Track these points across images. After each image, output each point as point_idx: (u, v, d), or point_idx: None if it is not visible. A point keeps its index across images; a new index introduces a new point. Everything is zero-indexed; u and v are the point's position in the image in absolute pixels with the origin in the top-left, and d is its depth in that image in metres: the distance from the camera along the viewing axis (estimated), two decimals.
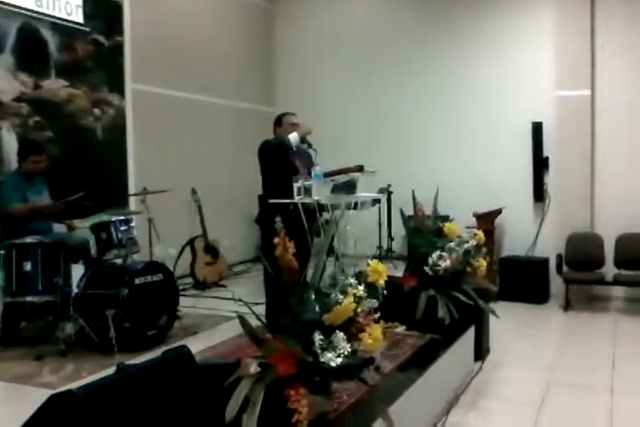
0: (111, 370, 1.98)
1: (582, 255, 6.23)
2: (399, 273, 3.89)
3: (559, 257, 6.20)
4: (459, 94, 7.57)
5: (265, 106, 8.49)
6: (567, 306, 5.97)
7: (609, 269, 6.11)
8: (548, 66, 6.89)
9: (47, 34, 5.70)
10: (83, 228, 4.97)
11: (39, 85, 5.64)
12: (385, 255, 7.52)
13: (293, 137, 4.58)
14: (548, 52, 6.90)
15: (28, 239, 4.48)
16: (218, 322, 5.13)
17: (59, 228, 5.02)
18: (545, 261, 6.45)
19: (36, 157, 4.81)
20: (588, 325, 5.52)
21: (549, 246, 6.67)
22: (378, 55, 8.08)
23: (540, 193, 7.01)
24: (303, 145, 4.85)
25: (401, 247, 7.64)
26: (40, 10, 5.60)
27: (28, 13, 5.51)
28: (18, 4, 5.40)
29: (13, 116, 5.40)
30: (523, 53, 7.19)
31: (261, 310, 2.65)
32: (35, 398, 2.02)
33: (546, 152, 6.95)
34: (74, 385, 2.04)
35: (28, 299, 4.44)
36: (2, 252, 4.50)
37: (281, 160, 4.64)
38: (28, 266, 4.39)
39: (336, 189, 4.40)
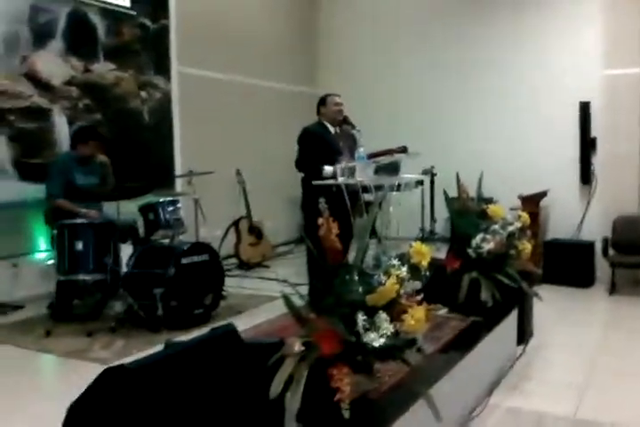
0: (159, 347, 2.05)
1: (629, 239, 6.11)
2: (441, 255, 3.87)
3: (605, 240, 6.09)
4: (504, 74, 7.45)
5: (308, 87, 8.50)
6: (613, 290, 5.87)
7: None
8: (596, 43, 6.69)
9: (95, 18, 5.81)
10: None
11: (88, 69, 5.77)
12: (427, 237, 7.50)
13: (328, 169, 4.60)
14: (596, 29, 6.70)
15: (79, 220, 4.62)
16: (262, 302, 5.21)
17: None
18: (591, 245, 6.34)
19: (95, 143, 4.96)
20: (634, 309, 5.43)
21: (595, 229, 6.55)
22: (421, 35, 7.98)
23: (586, 175, 6.88)
24: (347, 126, 4.87)
25: (443, 229, 7.60)
26: None
27: None
28: None
29: (64, 99, 5.55)
30: (570, 30, 7.03)
31: (304, 290, 2.69)
32: (88, 371, 2.11)
33: (593, 133, 6.80)
34: (124, 360, 2.12)
35: (80, 277, 4.59)
36: (54, 231, 4.66)
37: (323, 144, 4.68)
38: (79, 245, 4.53)
39: (379, 170, 4.40)
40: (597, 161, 6.82)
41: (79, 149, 4.97)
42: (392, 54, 8.19)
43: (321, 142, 4.77)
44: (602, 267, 6.17)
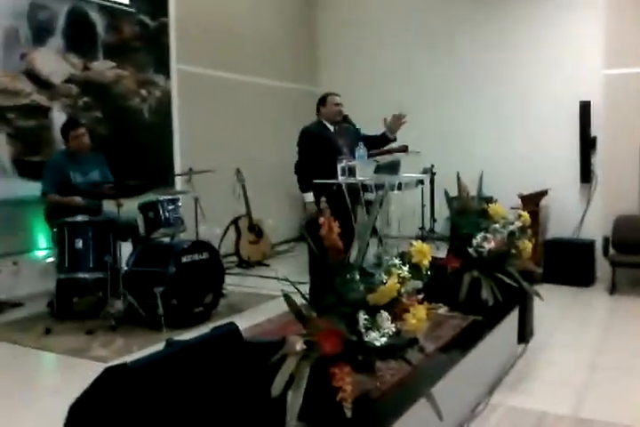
0: (160, 345, 2.04)
1: (630, 238, 6.10)
2: (441, 254, 3.87)
3: (606, 240, 6.08)
4: (504, 73, 7.44)
5: (308, 85, 8.49)
6: (613, 289, 5.87)
7: None
8: (597, 42, 6.67)
9: (95, 16, 5.80)
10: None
11: (88, 67, 5.76)
12: (427, 236, 7.49)
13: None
14: (597, 29, 6.68)
15: (79, 218, 4.61)
16: (262, 300, 5.21)
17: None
18: (591, 244, 6.34)
19: (74, 132, 4.91)
20: (634, 308, 5.43)
21: (596, 229, 6.54)
22: (421, 33, 7.97)
23: (587, 174, 6.87)
24: (345, 125, 4.88)
25: (443, 228, 7.59)
26: None
27: None
28: None
29: (63, 96, 5.54)
30: (571, 30, 7.01)
31: (305, 289, 2.68)
32: (88, 370, 2.11)
33: (594, 132, 6.79)
34: (124, 359, 2.11)
35: (80, 275, 4.59)
36: (54, 229, 4.65)
37: (323, 144, 4.68)
38: (79, 244, 4.53)
39: (380, 169, 4.39)
40: (597, 160, 6.81)
41: (68, 145, 4.96)
42: (392, 53, 8.17)
43: (322, 142, 4.75)
44: (602, 266, 6.16)
